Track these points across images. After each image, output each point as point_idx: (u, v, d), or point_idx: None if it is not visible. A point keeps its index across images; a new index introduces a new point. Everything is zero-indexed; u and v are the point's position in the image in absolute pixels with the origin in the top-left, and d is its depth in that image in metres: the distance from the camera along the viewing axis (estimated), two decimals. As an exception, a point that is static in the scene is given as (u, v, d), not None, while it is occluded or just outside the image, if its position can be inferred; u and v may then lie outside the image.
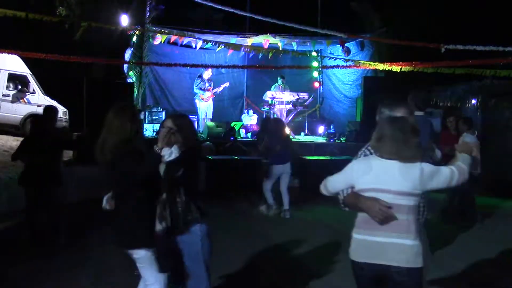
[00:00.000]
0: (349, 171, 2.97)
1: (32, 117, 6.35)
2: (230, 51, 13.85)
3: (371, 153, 3.00)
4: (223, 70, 14.78)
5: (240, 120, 14.19)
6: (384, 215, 2.75)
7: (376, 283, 2.89)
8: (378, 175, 2.83)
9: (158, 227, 3.39)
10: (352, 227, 2.95)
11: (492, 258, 5.98)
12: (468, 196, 7.68)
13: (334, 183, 3.06)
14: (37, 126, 6.28)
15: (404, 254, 2.77)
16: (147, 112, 13.11)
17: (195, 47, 13.65)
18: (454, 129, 8.26)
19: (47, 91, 14.90)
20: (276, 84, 13.73)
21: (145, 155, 3.32)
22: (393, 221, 2.77)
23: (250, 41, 14.02)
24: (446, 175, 2.88)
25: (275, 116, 12.52)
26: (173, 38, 13.43)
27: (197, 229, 3.46)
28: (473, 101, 14.81)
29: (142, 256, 3.35)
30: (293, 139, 10.84)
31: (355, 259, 2.89)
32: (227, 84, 13.50)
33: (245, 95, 15.84)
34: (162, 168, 3.43)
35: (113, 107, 3.53)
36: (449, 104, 15.34)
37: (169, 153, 3.31)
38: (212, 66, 13.53)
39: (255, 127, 13.62)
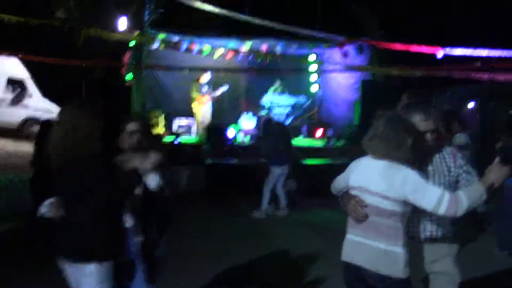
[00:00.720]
0: (347, 170, 2.97)
1: (44, 121, 6.34)
2: (229, 55, 13.86)
3: None
4: (221, 73, 14.78)
5: (239, 124, 14.19)
6: (356, 212, 2.68)
7: (362, 284, 2.76)
8: (362, 173, 2.77)
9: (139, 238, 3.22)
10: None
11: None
12: None
13: (337, 182, 3.09)
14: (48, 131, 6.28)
15: (378, 258, 2.63)
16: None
17: (195, 52, 13.67)
18: (446, 129, 8.28)
19: (46, 94, 14.91)
20: (274, 87, 13.76)
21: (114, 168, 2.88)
22: (369, 222, 2.67)
23: (248, 44, 14.02)
24: (431, 198, 2.56)
25: (275, 119, 12.53)
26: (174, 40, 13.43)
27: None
28: (472, 104, 14.85)
29: (91, 272, 2.82)
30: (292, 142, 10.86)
31: (341, 257, 2.86)
32: (225, 88, 13.51)
33: (243, 98, 15.83)
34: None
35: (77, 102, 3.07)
36: (447, 107, 15.37)
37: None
38: (210, 69, 13.54)
39: (253, 131, 13.62)
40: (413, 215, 2.87)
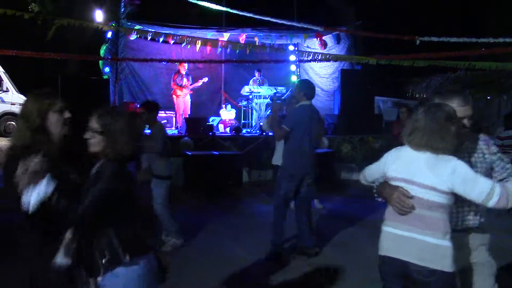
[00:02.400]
0: (383, 160, 2.82)
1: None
2: (209, 48, 13.77)
3: None
4: (200, 65, 14.72)
5: (219, 115, 14.14)
6: (401, 204, 2.57)
7: (400, 280, 2.68)
8: (404, 165, 2.65)
9: (60, 260, 2.48)
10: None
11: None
12: None
13: (370, 172, 2.96)
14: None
15: (426, 253, 2.55)
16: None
17: (172, 42, 13.56)
18: (407, 119, 8.34)
19: (21, 89, 14.65)
20: (253, 78, 13.76)
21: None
22: (415, 215, 2.56)
23: (226, 35, 13.98)
24: (482, 190, 2.48)
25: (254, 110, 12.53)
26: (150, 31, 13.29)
27: (123, 273, 2.46)
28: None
29: None
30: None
31: (379, 252, 2.73)
32: (205, 79, 13.43)
33: (222, 89, 15.78)
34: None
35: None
36: (424, 96, 15.54)
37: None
38: (189, 61, 13.46)
39: (233, 122, 13.59)
40: (463, 201, 2.78)
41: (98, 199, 2.36)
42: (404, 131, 2.72)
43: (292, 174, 5.48)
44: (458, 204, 2.79)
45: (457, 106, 2.79)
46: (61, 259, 2.47)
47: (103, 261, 2.44)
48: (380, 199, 2.85)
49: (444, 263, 2.52)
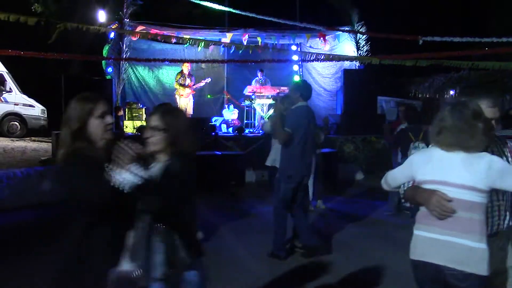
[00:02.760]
0: (409, 163, 2.72)
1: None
2: (211, 47, 13.79)
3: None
4: (203, 65, 14.73)
5: (221, 115, 14.14)
6: (442, 209, 2.47)
7: (435, 285, 2.59)
8: (438, 166, 2.55)
9: (126, 266, 2.37)
10: None
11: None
12: None
13: (394, 177, 2.82)
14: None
15: (463, 256, 2.47)
16: (127, 109, 12.99)
17: (174, 42, 13.58)
18: (404, 117, 8.26)
19: (24, 89, 14.72)
20: (256, 78, 13.75)
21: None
22: (453, 218, 2.47)
23: (229, 36, 13.99)
24: None
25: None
26: (153, 31, 13.31)
27: (186, 278, 2.48)
28: (451, 92, 15.01)
29: None
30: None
31: (412, 256, 2.64)
32: (208, 80, 13.45)
33: (225, 90, 15.79)
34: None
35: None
36: (427, 95, 15.54)
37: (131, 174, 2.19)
38: (191, 61, 13.47)
39: (236, 122, 13.60)
40: (492, 207, 2.70)
41: (175, 194, 2.40)
42: (430, 131, 2.64)
43: (291, 176, 5.44)
44: (500, 203, 2.75)
45: (487, 107, 2.73)
46: (128, 265, 2.38)
47: (179, 259, 2.43)
48: (408, 204, 2.77)
49: (480, 267, 2.44)
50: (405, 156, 7.25)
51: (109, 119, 2.51)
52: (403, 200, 2.83)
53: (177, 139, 2.49)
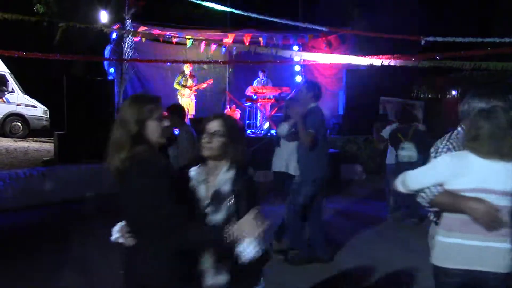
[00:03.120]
0: (441, 167, 2.62)
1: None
2: (213, 48, 13.78)
3: (453, 147, 2.70)
4: (205, 66, 14.73)
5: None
6: (491, 219, 2.44)
7: None
8: (478, 174, 2.49)
9: (212, 280, 2.38)
10: None
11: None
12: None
13: (418, 179, 2.69)
14: None
15: (502, 259, 2.50)
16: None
17: (176, 43, 13.59)
18: (402, 117, 8.25)
19: (27, 90, 14.75)
20: (258, 78, 13.75)
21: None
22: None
23: (231, 36, 13.98)
24: None
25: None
26: (155, 32, 13.29)
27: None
28: (453, 93, 14.98)
29: None
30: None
31: (444, 265, 2.59)
32: (211, 81, 13.45)
33: (227, 90, 15.79)
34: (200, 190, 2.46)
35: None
36: (429, 96, 15.51)
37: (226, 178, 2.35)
38: (193, 62, 13.46)
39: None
40: None
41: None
42: (465, 136, 2.62)
43: (315, 179, 5.27)
44: None
45: None
46: (214, 279, 2.37)
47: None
48: (432, 209, 2.71)
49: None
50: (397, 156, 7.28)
51: (166, 122, 2.43)
52: (427, 205, 2.67)
53: (234, 146, 2.45)
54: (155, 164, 2.25)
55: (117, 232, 2.42)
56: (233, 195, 2.38)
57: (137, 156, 2.24)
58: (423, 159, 6.29)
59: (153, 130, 2.33)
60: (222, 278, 2.35)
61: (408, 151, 7.03)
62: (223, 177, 2.43)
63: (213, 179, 2.45)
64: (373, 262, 5.44)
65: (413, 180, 2.69)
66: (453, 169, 2.55)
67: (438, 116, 13.70)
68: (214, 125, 2.47)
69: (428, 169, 2.68)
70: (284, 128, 5.65)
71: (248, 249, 2.10)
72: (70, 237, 6.39)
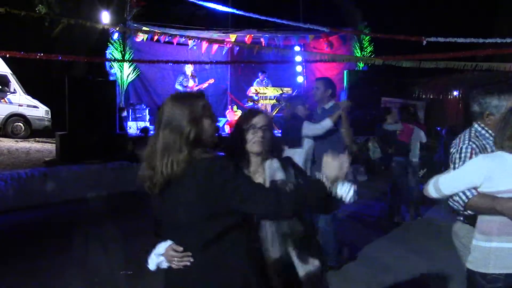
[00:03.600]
0: (475, 170, 2.52)
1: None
2: (215, 49, 13.79)
3: (476, 146, 2.65)
4: (206, 66, 14.75)
5: (225, 116, 14.15)
6: None
7: None
8: None
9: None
10: None
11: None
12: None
13: (452, 183, 2.60)
14: None
15: None
16: (130, 110, 13.02)
17: (177, 43, 13.61)
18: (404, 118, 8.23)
19: (28, 90, 14.75)
20: (257, 79, 13.75)
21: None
22: None
23: (232, 37, 14.01)
24: None
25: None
26: (156, 37, 13.31)
27: None
28: (455, 93, 14.98)
29: None
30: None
31: (484, 270, 2.50)
32: (212, 81, 13.46)
33: (228, 91, 15.80)
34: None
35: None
36: (431, 96, 15.51)
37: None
38: (195, 62, 13.48)
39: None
40: None
41: None
42: (499, 135, 2.52)
43: None
44: None
45: None
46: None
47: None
48: (467, 212, 2.63)
49: None
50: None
51: (215, 119, 2.18)
52: (462, 209, 2.59)
53: (272, 140, 2.46)
54: (223, 161, 2.02)
55: (158, 256, 2.06)
56: (290, 180, 2.38)
57: (198, 159, 1.96)
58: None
59: (207, 128, 2.06)
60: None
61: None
62: (271, 167, 2.43)
63: (261, 172, 2.43)
64: (379, 265, 5.43)
65: (446, 185, 2.61)
66: (488, 171, 2.46)
67: (439, 116, 13.71)
68: (261, 120, 2.42)
69: (461, 173, 2.59)
70: (328, 123, 5.15)
71: (346, 189, 2.21)
72: (72, 237, 6.40)
